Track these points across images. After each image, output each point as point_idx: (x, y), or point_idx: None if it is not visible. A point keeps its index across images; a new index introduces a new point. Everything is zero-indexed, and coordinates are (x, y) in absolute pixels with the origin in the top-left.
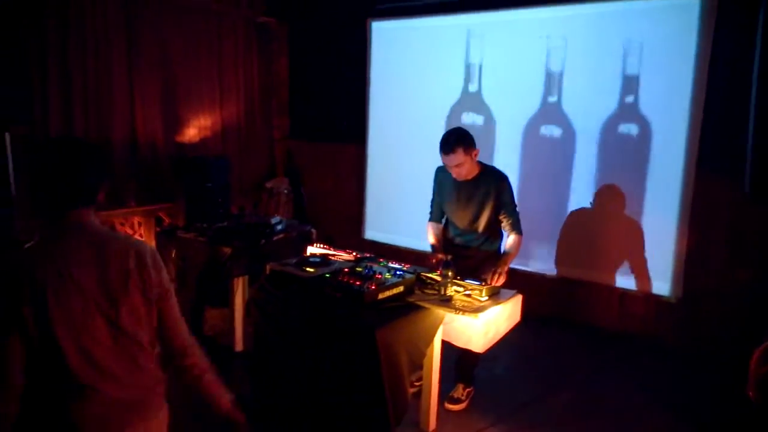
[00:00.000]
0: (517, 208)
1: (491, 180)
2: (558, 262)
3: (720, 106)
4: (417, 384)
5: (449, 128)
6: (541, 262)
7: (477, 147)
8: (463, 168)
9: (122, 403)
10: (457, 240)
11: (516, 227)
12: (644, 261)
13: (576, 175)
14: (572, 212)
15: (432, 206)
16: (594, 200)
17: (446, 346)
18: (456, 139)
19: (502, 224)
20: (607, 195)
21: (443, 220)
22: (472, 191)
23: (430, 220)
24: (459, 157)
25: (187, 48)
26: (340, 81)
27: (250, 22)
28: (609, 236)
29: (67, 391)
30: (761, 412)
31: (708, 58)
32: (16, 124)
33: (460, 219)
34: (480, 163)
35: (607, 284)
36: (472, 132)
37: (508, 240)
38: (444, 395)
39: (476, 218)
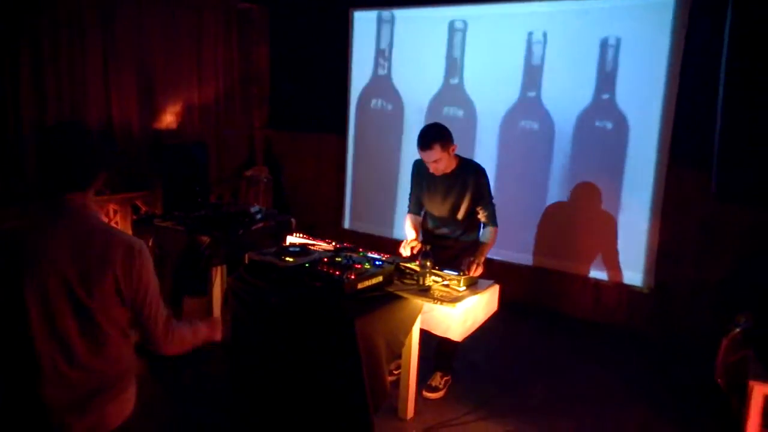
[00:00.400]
0: (494, 200)
1: (468, 173)
2: (534, 253)
3: (692, 102)
4: (396, 372)
5: (429, 120)
6: (518, 252)
7: (455, 143)
8: (441, 163)
9: (88, 388)
10: (436, 231)
11: (492, 219)
12: (617, 252)
13: (553, 168)
14: (549, 204)
15: (410, 199)
16: (570, 192)
17: (425, 335)
18: (433, 136)
19: (479, 216)
20: (583, 188)
21: (422, 213)
22: (450, 184)
23: (409, 212)
24: (436, 153)
25: (165, 33)
26: (322, 70)
27: (230, 8)
28: (584, 228)
29: (35, 376)
30: (729, 398)
31: (681, 55)
32: None
33: (438, 211)
34: (458, 156)
35: (581, 274)
36: (452, 124)
37: (485, 232)
38: (422, 384)
39: (454, 210)
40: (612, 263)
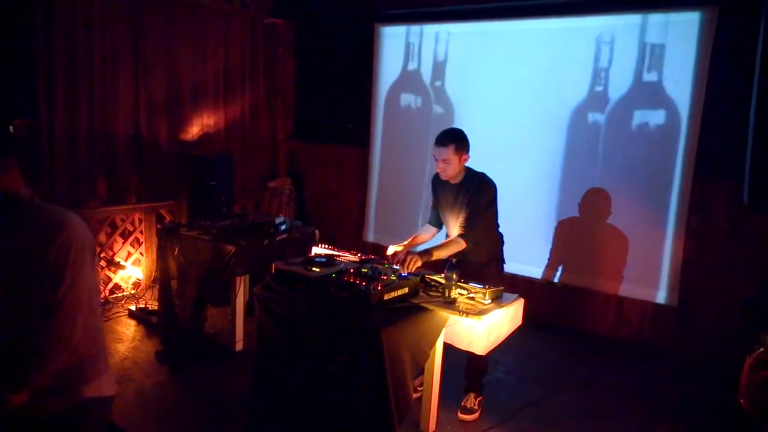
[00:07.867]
0: (479, 214)
1: (472, 183)
2: (555, 268)
3: (719, 112)
4: (420, 389)
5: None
6: (539, 267)
7: (468, 153)
8: (449, 166)
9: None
10: None
11: (464, 228)
12: (641, 267)
13: (574, 180)
14: (569, 218)
15: (431, 210)
16: (591, 206)
17: (448, 349)
18: (451, 136)
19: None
20: (604, 201)
21: (440, 225)
22: (456, 195)
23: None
24: (448, 152)
25: (194, 47)
26: (346, 83)
27: (257, 23)
28: (606, 242)
29: None
30: (753, 419)
31: (707, 65)
32: (21, 117)
33: (451, 224)
34: (468, 168)
35: (604, 290)
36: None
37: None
38: (444, 397)
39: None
40: (634, 278)
